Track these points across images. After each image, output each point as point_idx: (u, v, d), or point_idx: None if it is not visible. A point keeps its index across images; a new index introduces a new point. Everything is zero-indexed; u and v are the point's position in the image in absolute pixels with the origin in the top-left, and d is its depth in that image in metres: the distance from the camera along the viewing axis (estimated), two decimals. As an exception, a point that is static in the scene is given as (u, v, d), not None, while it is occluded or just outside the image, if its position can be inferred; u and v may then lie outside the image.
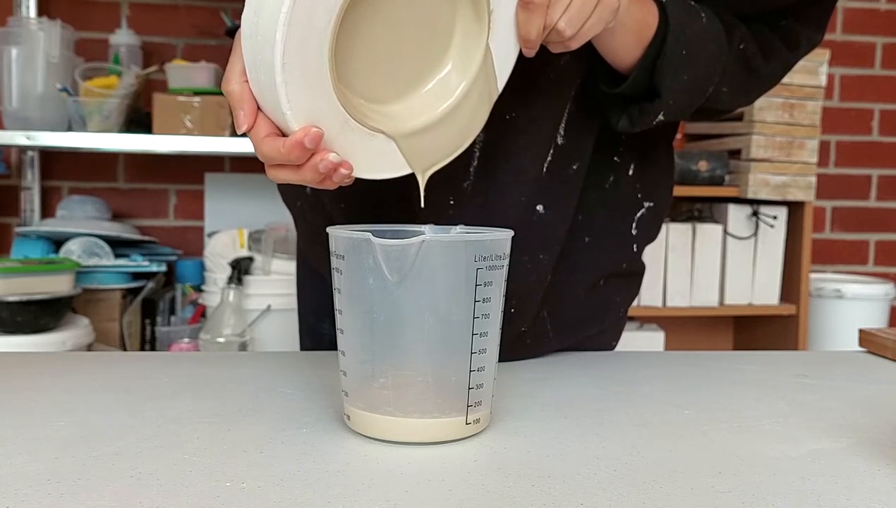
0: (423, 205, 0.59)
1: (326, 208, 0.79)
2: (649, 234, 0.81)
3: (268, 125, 0.52)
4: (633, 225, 0.78)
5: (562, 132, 0.71)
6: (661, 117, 0.68)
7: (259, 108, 0.53)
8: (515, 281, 0.71)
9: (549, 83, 0.68)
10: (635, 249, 0.80)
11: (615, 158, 0.75)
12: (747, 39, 0.71)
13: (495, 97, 0.59)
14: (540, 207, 0.71)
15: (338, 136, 0.52)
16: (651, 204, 0.79)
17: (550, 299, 0.77)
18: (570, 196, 0.73)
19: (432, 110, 0.57)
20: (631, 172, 0.77)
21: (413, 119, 0.56)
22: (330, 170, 0.52)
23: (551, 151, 0.71)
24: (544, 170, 0.71)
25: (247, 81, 0.52)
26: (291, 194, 0.86)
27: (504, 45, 0.57)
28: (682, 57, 0.65)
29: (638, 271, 0.83)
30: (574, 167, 0.72)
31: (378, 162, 0.55)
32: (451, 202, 0.70)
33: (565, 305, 0.78)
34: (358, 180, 0.78)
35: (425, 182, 0.58)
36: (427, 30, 0.56)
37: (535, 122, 0.69)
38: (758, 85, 0.75)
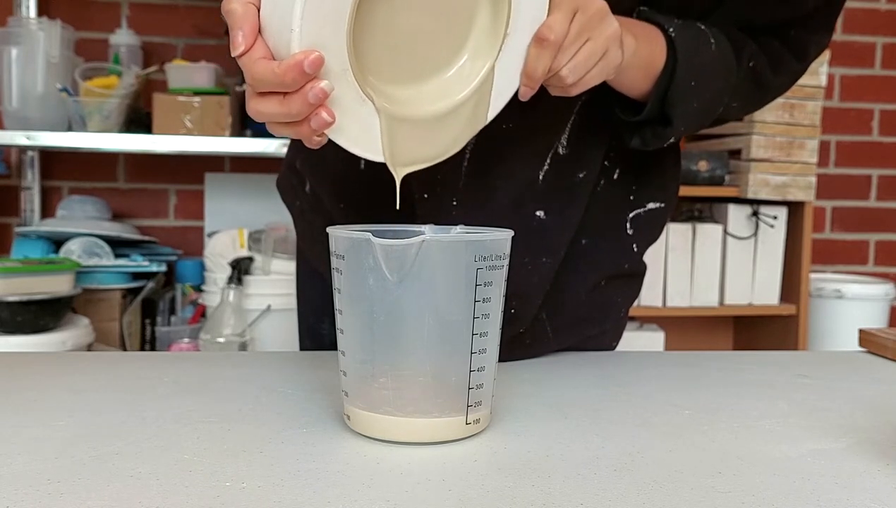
0: (398, 201, 0.58)
1: (326, 207, 0.79)
2: (651, 235, 0.81)
3: (264, 49, 0.50)
4: (627, 225, 0.79)
5: (564, 143, 0.71)
6: (672, 140, 0.70)
7: (259, 33, 0.50)
8: (517, 282, 0.71)
9: (550, 99, 0.69)
10: (636, 249, 0.80)
11: (605, 162, 0.76)
12: (756, 56, 0.72)
13: (480, 126, 0.58)
14: (540, 213, 0.72)
15: (332, 83, 0.50)
16: (655, 205, 0.80)
17: (550, 301, 0.77)
18: (574, 203, 0.73)
19: (424, 107, 0.56)
20: (616, 176, 0.77)
21: (405, 106, 0.55)
22: (319, 100, 0.49)
23: (548, 161, 0.71)
24: (540, 177, 0.71)
25: (250, 3, 0.50)
26: (291, 194, 0.86)
27: (506, 74, 0.57)
28: (691, 88, 0.67)
29: (639, 272, 0.83)
30: (581, 175, 0.73)
31: (358, 131, 0.54)
32: (454, 203, 0.71)
33: (565, 306, 0.78)
34: (360, 179, 0.78)
35: (400, 179, 0.57)
36: (442, 27, 0.55)
37: (531, 133, 0.70)
38: (767, 96, 0.77)
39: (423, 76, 0.57)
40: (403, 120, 0.55)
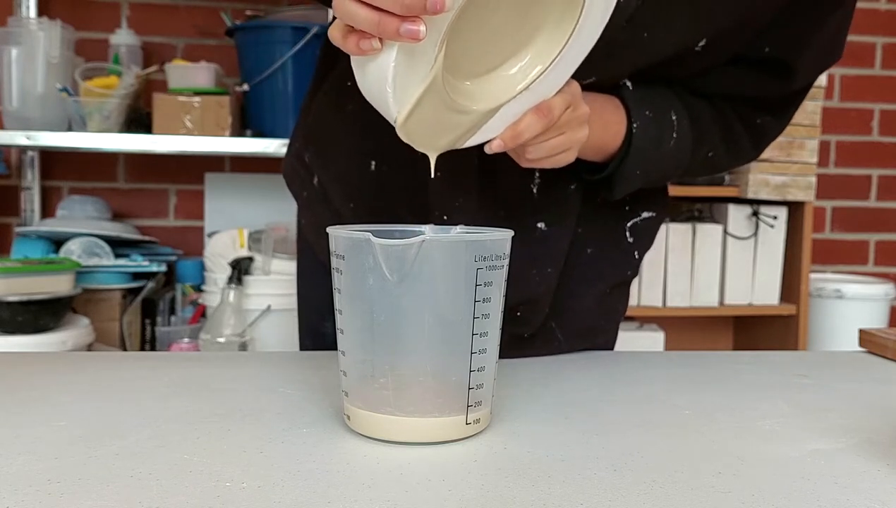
0: (432, 172, 0.60)
1: (334, 204, 0.79)
2: (647, 243, 0.85)
3: None
4: (627, 233, 0.82)
5: None
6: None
7: None
8: (526, 291, 0.73)
9: None
10: (636, 256, 0.83)
11: None
12: (716, 147, 0.76)
13: (460, 145, 0.60)
14: (541, 225, 0.75)
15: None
16: (649, 214, 0.83)
17: (560, 310, 0.79)
18: (569, 213, 0.76)
19: (459, 94, 0.56)
20: None
21: (453, 79, 0.56)
22: (435, 9, 0.47)
23: (537, 174, 0.74)
24: (534, 190, 0.74)
25: None
26: (297, 183, 0.86)
27: (505, 115, 0.59)
28: (636, 175, 0.72)
29: (632, 279, 0.86)
30: (572, 187, 0.75)
31: (403, 69, 0.52)
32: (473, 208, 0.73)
33: (575, 316, 0.81)
34: (371, 180, 0.78)
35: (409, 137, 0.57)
36: (511, 30, 0.56)
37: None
38: (718, 172, 0.84)
39: (473, 74, 0.57)
40: (440, 91, 0.54)
